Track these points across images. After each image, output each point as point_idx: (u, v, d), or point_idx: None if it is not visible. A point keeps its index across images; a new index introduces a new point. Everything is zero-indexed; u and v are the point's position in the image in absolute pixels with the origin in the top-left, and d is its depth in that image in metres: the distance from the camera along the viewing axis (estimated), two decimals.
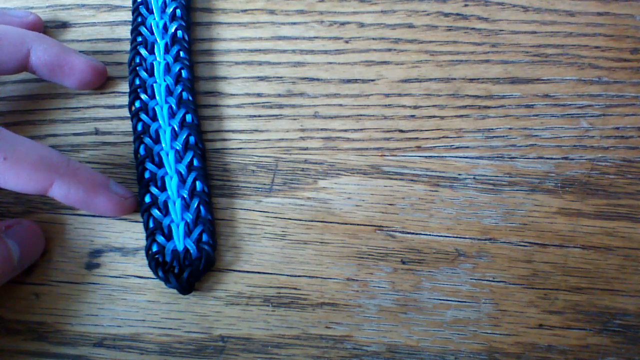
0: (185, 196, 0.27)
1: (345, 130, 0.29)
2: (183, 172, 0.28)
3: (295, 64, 0.30)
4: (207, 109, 0.30)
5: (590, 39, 0.30)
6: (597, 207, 0.28)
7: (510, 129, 0.29)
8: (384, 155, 0.29)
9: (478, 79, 0.30)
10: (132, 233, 0.28)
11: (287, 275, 0.28)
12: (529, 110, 0.30)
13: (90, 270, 0.28)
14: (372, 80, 0.30)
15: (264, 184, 0.29)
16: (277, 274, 0.28)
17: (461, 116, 0.30)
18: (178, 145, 0.28)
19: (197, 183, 0.28)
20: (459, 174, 0.29)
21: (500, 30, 0.31)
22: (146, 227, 0.27)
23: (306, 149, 0.29)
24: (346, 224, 0.28)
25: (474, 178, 0.29)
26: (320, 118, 0.30)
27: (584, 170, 0.29)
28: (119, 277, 0.28)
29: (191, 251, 0.27)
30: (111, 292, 0.28)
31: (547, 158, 0.29)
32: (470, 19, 0.31)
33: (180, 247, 0.27)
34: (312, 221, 0.28)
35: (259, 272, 0.28)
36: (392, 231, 0.28)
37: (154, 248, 0.27)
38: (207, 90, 0.30)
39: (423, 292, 0.28)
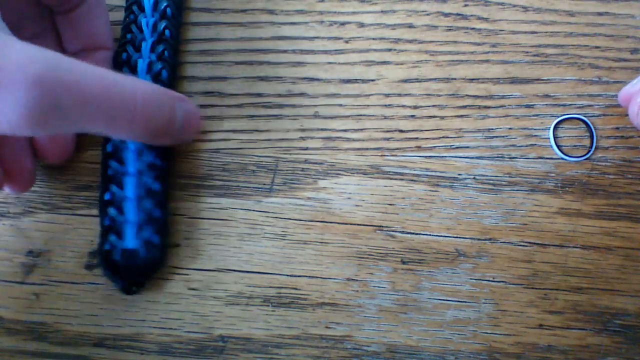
0: (141, 195, 0.27)
1: (345, 130, 0.29)
2: (143, 171, 0.27)
3: (295, 64, 0.30)
4: (207, 109, 0.30)
5: (590, 39, 0.30)
6: (597, 207, 0.28)
7: (510, 129, 0.29)
8: (384, 155, 0.29)
9: (478, 79, 0.30)
10: None
11: (287, 275, 0.28)
12: (529, 110, 0.30)
13: (90, 270, 0.28)
14: (372, 80, 0.30)
15: (264, 184, 0.29)
16: (277, 274, 0.28)
17: (461, 116, 0.30)
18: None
19: (155, 183, 0.27)
20: (459, 174, 0.29)
21: (500, 30, 0.31)
22: (102, 225, 0.27)
23: (306, 149, 0.29)
24: (346, 224, 0.28)
25: (474, 178, 0.29)
26: (320, 118, 0.30)
27: (584, 170, 0.29)
28: None
29: (140, 251, 0.27)
30: (111, 292, 0.28)
31: (547, 158, 0.29)
32: (470, 19, 0.31)
33: (129, 247, 0.27)
34: (312, 221, 0.28)
35: (259, 272, 0.28)
36: (392, 231, 0.28)
37: (107, 247, 0.27)
38: (207, 90, 0.30)
39: (423, 292, 0.28)
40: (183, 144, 0.29)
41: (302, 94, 0.30)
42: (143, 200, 0.27)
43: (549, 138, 0.29)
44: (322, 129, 0.30)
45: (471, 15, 0.31)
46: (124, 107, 0.22)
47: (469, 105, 0.30)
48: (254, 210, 0.29)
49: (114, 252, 0.27)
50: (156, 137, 0.25)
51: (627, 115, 0.29)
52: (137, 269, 0.27)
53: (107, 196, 0.27)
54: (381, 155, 0.29)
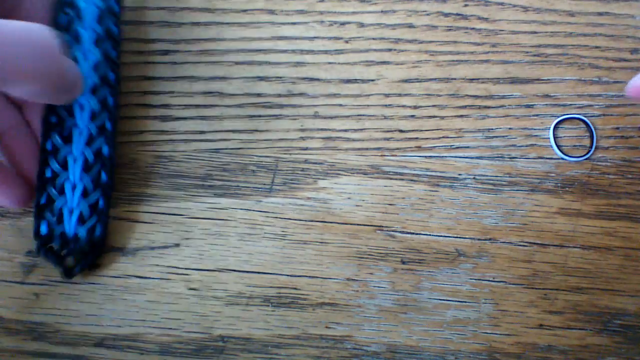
0: (88, 185, 0.27)
1: (345, 130, 0.30)
2: (89, 158, 0.27)
3: (295, 64, 0.30)
4: (207, 109, 0.30)
5: (590, 39, 0.30)
6: (597, 207, 0.28)
7: (510, 129, 0.29)
8: (384, 155, 0.29)
9: (478, 79, 0.30)
10: (132, 233, 0.28)
11: (287, 275, 0.28)
12: (529, 110, 0.30)
13: (90, 270, 0.28)
14: (372, 80, 0.30)
15: (264, 184, 0.29)
16: (277, 274, 0.28)
17: (461, 116, 0.30)
18: (93, 129, 0.27)
19: (102, 173, 0.27)
20: (459, 174, 0.29)
21: (500, 30, 0.31)
22: (37, 204, 0.26)
23: (306, 149, 0.29)
24: (346, 224, 0.28)
25: (474, 178, 0.29)
26: (320, 118, 0.30)
27: (584, 170, 0.29)
28: (119, 277, 0.28)
29: (80, 239, 0.27)
30: (111, 292, 0.28)
31: (547, 158, 0.29)
32: (470, 19, 0.31)
33: (70, 233, 0.27)
34: (312, 221, 0.28)
35: (259, 272, 0.28)
36: (392, 231, 0.28)
37: (44, 230, 0.27)
38: (207, 90, 0.30)
39: (423, 292, 0.28)
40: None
41: (302, 94, 0.30)
42: (89, 189, 0.27)
43: (549, 138, 0.29)
44: (322, 129, 0.30)
45: (471, 15, 0.31)
46: (39, 55, 0.21)
47: (469, 105, 0.30)
48: (254, 210, 0.29)
49: (52, 236, 0.27)
50: (61, 93, 0.23)
51: (627, 115, 0.29)
52: (79, 255, 0.27)
53: (48, 173, 0.26)
54: (381, 155, 0.29)
